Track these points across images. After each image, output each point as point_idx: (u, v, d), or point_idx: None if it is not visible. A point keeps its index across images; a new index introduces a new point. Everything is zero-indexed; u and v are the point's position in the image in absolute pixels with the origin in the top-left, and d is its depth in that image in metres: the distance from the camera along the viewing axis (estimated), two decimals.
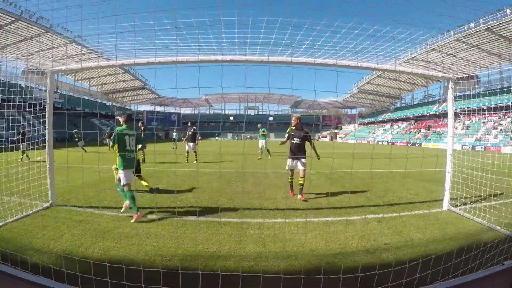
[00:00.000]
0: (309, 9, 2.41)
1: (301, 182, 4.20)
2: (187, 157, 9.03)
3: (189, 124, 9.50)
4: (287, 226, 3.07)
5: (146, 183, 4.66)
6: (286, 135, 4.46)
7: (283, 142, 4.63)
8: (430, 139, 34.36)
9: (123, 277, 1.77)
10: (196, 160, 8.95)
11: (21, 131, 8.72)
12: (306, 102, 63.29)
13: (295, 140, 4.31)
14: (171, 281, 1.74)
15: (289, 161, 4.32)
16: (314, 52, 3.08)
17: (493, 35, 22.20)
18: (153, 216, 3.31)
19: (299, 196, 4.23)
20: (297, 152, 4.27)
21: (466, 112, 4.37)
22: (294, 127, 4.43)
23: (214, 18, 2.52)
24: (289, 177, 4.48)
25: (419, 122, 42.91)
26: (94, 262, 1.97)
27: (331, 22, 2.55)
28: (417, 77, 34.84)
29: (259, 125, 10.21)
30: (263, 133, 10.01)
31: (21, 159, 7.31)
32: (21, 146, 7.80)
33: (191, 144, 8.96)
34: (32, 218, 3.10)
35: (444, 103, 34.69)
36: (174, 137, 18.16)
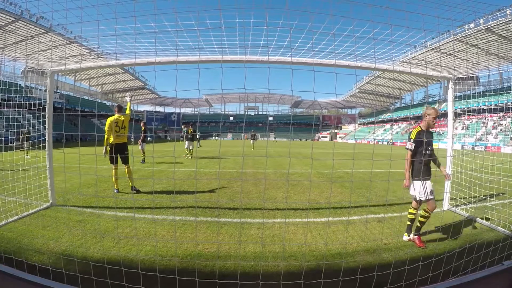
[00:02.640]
0: (310, 12, 2.42)
1: (424, 218, 2.60)
2: (191, 154, 10.85)
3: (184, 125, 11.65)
4: (287, 226, 3.07)
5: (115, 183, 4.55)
6: (413, 144, 2.58)
7: (410, 159, 2.60)
8: None
9: (123, 277, 1.77)
10: (191, 156, 10.71)
11: (26, 130, 9.09)
12: (306, 102, 63.32)
13: (429, 150, 2.60)
14: (171, 281, 1.74)
15: (425, 186, 2.52)
16: (315, 54, 3.08)
17: (493, 35, 22.22)
18: (153, 216, 3.31)
19: (415, 236, 2.62)
20: (430, 168, 2.61)
21: (466, 112, 4.35)
22: (425, 128, 2.67)
23: (215, 21, 2.52)
24: (412, 209, 2.68)
25: (419, 122, 42.91)
26: (94, 262, 1.97)
27: (331, 24, 2.56)
28: (417, 77, 34.85)
29: (182, 126, 11.43)
30: (187, 134, 11.04)
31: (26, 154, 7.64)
32: (25, 144, 8.11)
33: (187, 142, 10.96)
34: (32, 218, 3.10)
35: (444, 103, 34.70)
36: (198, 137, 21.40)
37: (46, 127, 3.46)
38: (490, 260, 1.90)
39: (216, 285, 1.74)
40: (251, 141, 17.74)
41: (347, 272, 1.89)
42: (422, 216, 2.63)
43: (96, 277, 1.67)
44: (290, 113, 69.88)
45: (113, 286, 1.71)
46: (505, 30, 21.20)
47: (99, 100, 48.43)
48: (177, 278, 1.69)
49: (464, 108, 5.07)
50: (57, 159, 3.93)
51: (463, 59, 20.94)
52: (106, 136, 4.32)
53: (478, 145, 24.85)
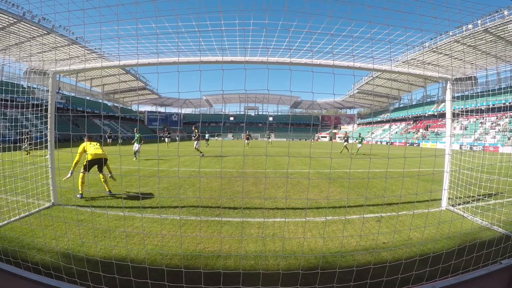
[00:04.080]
0: (308, 13, 2.45)
1: None
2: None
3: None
4: (287, 226, 3.09)
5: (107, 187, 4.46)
6: None
7: None
8: (428, 139, 34.50)
9: (124, 276, 1.79)
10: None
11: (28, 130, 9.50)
12: (306, 102, 63.44)
13: None
14: (172, 280, 1.76)
15: None
16: (313, 54, 3.11)
17: (491, 36, 22.36)
18: (154, 216, 3.33)
19: None
20: None
21: (464, 113, 4.39)
22: None
23: (215, 21, 2.55)
24: None
25: (417, 122, 43.10)
26: (96, 261, 1.99)
27: (330, 25, 2.59)
28: (415, 78, 34.99)
29: (135, 129, 10.65)
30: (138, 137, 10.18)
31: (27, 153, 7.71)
32: (27, 144, 8.28)
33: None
34: (34, 218, 3.12)
35: (443, 104, 34.86)
36: (206, 137, 21.58)
37: (48, 127, 3.48)
38: (487, 259, 1.93)
39: (217, 283, 1.76)
40: (246, 141, 20.40)
41: (345, 271, 1.91)
42: None
43: (97, 276, 1.69)
44: (289, 114, 70.00)
45: (114, 285, 1.73)
46: (503, 31, 21.33)
47: (101, 101, 48.44)
48: (178, 277, 1.71)
49: (462, 109, 5.13)
50: (59, 158, 3.93)
51: (461, 60, 21.05)
52: (76, 159, 4.06)
53: (476, 145, 24.91)
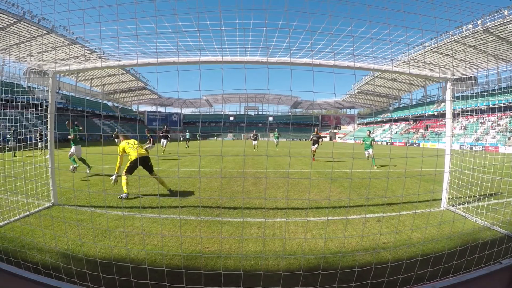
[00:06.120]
0: (308, 12, 2.45)
1: None
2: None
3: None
4: (287, 226, 3.09)
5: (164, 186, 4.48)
6: None
7: None
8: (428, 139, 34.52)
9: (124, 276, 1.79)
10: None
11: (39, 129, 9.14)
12: (306, 102, 63.55)
13: None
14: (172, 280, 1.76)
15: None
16: (314, 54, 3.11)
17: (491, 36, 22.36)
18: (154, 216, 3.33)
19: None
20: None
21: (464, 113, 4.39)
22: None
23: (215, 21, 2.55)
24: None
25: (417, 122, 43.13)
26: (95, 261, 1.99)
27: (330, 25, 2.59)
28: (415, 78, 35.01)
29: (67, 122, 6.65)
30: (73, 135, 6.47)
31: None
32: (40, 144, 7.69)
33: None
34: (34, 218, 3.11)
35: (443, 104, 34.89)
36: (187, 136, 20.45)
37: (48, 127, 3.48)
38: (488, 259, 1.92)
39: (217, 284, 1.76)
40: (254, 142, 16.88)
41: (346, 271, 1.91)
42: None
43: (96, 276, 1.69)
44: (289, 114, 70.05)
45: (114, 285, 1.73)
46: (503, 31, 21.34)
47: (101, 101, 48.51)
48: (178, 277, 1.70)
49: (462, 109, 5.14)
50: (59, 159, 3.92)
51: (461, 60, 21.07)
52: (118, 163, 4.18)
53: (476, 145, 24.92)
